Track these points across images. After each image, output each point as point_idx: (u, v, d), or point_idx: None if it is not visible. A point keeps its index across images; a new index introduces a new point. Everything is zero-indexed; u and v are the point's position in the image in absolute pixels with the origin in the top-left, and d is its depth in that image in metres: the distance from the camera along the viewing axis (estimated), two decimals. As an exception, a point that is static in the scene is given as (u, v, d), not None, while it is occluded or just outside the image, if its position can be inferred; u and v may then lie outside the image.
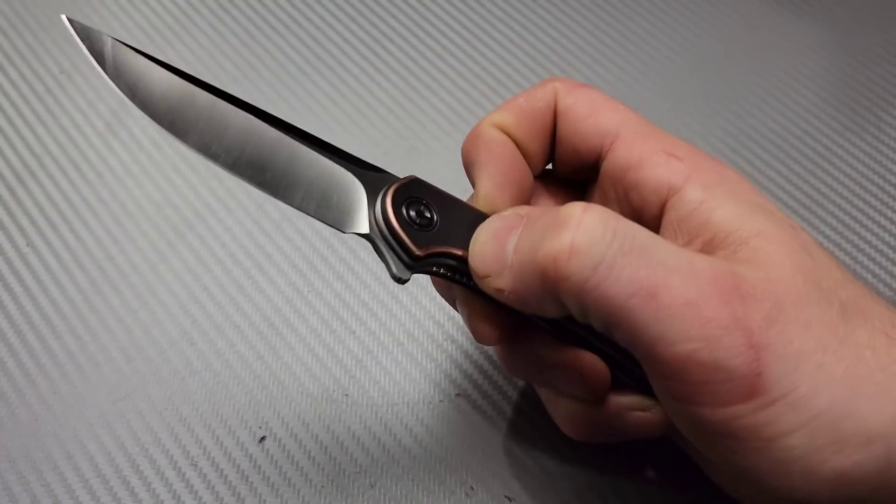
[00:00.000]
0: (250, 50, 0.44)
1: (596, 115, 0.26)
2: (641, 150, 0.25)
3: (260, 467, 0.31)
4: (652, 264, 0.21)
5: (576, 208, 0.22)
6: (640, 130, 0.26)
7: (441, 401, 0.33)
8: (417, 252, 0.23)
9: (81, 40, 0.23)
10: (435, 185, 0.25)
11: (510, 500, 0.31)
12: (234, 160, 0.23)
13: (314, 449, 0.32)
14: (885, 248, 0.37)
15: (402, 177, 0.25)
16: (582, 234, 0.21)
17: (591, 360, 0.25)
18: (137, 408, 0.33)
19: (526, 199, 0.27)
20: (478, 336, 0.26)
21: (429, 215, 0.24)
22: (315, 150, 0.25)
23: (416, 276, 0.27)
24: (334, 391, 0.33)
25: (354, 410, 0.33)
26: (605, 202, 0.27)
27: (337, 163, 0.25)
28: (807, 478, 0.21)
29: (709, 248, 0.23)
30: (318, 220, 0.24)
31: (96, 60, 0.23)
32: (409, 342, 0.35)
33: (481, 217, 0.25)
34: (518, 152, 0.27)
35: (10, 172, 0.40)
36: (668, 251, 0.21)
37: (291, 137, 0.24)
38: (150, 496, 0.31)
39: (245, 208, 0.38)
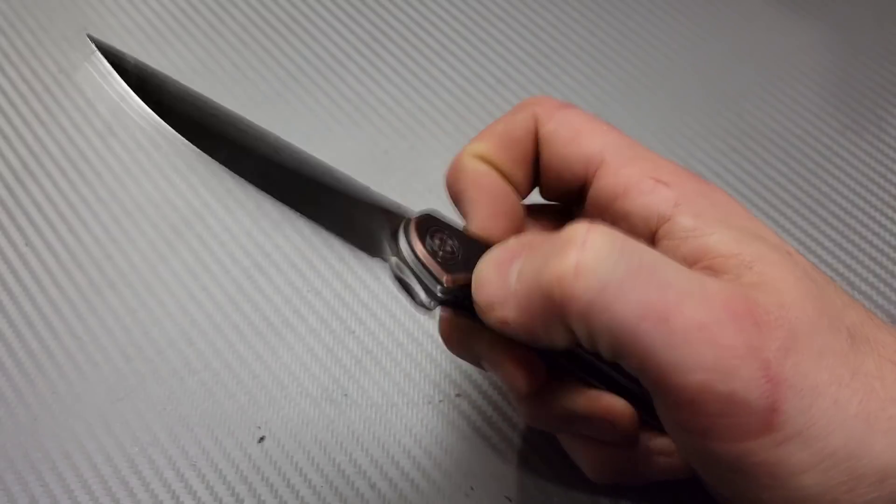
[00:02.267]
0: (250, 49, 0.44)
1: (578, 140, 0.25)
2: (627, 176, 0.24)
3: (259, 468, 0.31)
4: (662, 285, 0.20)
5: (580, 227, 0.21)
6: (624, 154, 0.25)
7: (441, 401, 0.33)
8: (445, 279, 0.23)
9: (105, 57, 0.23)
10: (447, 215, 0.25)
11: (510, 501, 0.31)
12: (264, 175, 0.23)
13: (313, 449, 0.32)
14: (886, 248, 0.37)
15: (417, 211, 0.25)
16: (588, 252, 0.20)
17: (622, 407, 0.25)
18: (136, 408, 0.33)
19: (519, 228, 0.26)
20: (514, 385, 0.24)
21: (451, 247, 0.24)
22: (338, 182, 0.25)
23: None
24: (333, 391, 0.33)
25: (354, 411, 0.33)
26: None
27: (358, 195, 0.25)
28: None
29: (710, 273, 0.22)
30: (349, 243, 0.23)
31: (121, 76, 0.23)
32: (408, 342, 0.34)
33: None
34: (503, 182, 0.26)
35: (8, 172, 0.40)
36: (678, 272, 0.21)
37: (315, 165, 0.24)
38: (149, 496, 0.31)
39: (244, 207, 0.38)
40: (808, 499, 0.20)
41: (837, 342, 0.21)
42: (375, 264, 0.36)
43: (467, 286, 0.23)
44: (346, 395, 0.33)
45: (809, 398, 0.20)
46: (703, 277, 0.21)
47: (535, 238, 0.23)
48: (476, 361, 0.27)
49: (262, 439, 0.32)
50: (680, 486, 0.29)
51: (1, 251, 0.37)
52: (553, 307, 0.21)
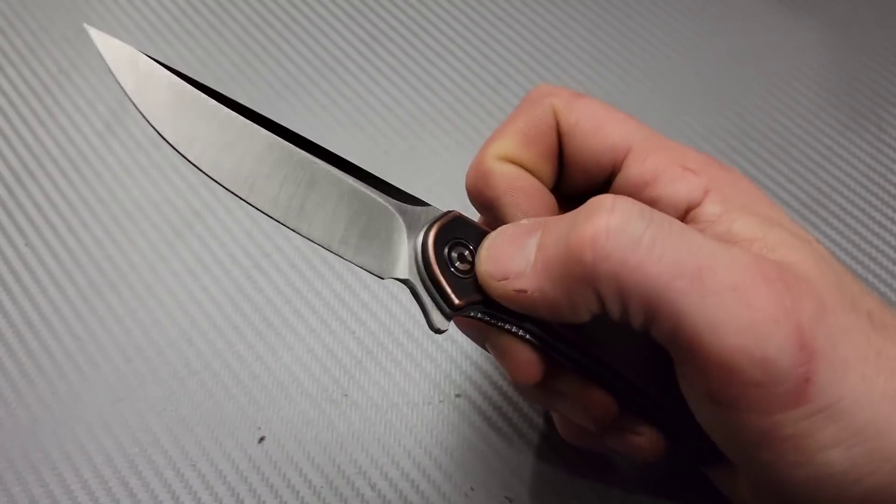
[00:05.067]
0: (250, 49, 0.44)
1: (602, 132, 0.25)
2: (655, 164, 0.24)
3: (259, 468, 0.31)
4: (693, 247, 0.20)
5: (606, 197, 0.21)
6: (649, 142, 0.25)
7: (441, 401, 0.33)
8: (458, 302, 0.22)
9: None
10: (473, 220, 0.24)
11: (510, 501, 0.31)
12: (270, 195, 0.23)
13: (313, 449, 0.32)
14: (886, 248, 0.37)
15: (442, 210, 0.24)
16: (617, 215, 0.20)
17: (598, 396, 0.24)
18: (136, 408, 0.33)
19: None
20: (518, 376, 0.24)
21: (469, 258, 0.23)
22: (348, 177, 0.23)
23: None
24: (333, 392, 0.33)
25: (354, 411, 0.33)
26: None
27: (373, 192, 0.23)
28: (839, 494, 0.20)
29: None
30: (357, 265, 0.23)
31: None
32: (408, 342, 0.34)
33: None
34: (536, 181, 0.25)
35: (8, 172, 0.40)
36: (707, 239, 0.20)
37: (321, 160, 0.23)
38: (149, 497, 0.31)
39: (244, 208, 0.38)
40: (832, 476, 0.20)
41: (860, 322, 0.21)
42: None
43: (479, 304, 0.23)
44: (346, 395, 0.33)
45: (841, 371, 0.19)
46: (731, 246, 0.21)
47: (548, 217, 0.23)
48: (482, 345, 0.27)
49: (262, 439, 0.32)
50: (691, 487, 0.29)
51: (1, 252, 0.37)
52: (582, 271, 0.20)
